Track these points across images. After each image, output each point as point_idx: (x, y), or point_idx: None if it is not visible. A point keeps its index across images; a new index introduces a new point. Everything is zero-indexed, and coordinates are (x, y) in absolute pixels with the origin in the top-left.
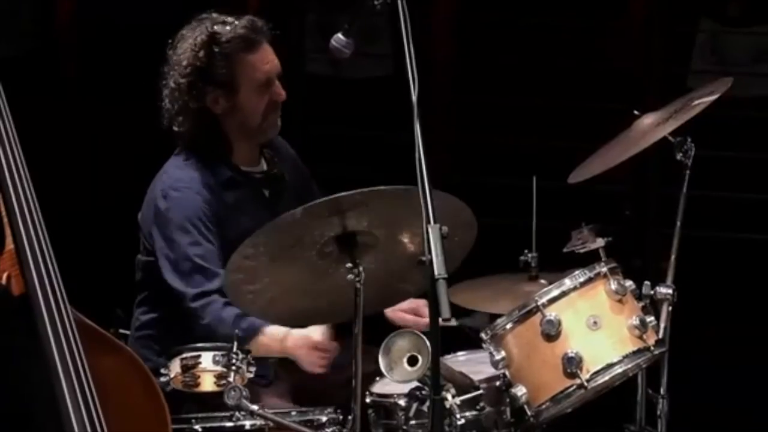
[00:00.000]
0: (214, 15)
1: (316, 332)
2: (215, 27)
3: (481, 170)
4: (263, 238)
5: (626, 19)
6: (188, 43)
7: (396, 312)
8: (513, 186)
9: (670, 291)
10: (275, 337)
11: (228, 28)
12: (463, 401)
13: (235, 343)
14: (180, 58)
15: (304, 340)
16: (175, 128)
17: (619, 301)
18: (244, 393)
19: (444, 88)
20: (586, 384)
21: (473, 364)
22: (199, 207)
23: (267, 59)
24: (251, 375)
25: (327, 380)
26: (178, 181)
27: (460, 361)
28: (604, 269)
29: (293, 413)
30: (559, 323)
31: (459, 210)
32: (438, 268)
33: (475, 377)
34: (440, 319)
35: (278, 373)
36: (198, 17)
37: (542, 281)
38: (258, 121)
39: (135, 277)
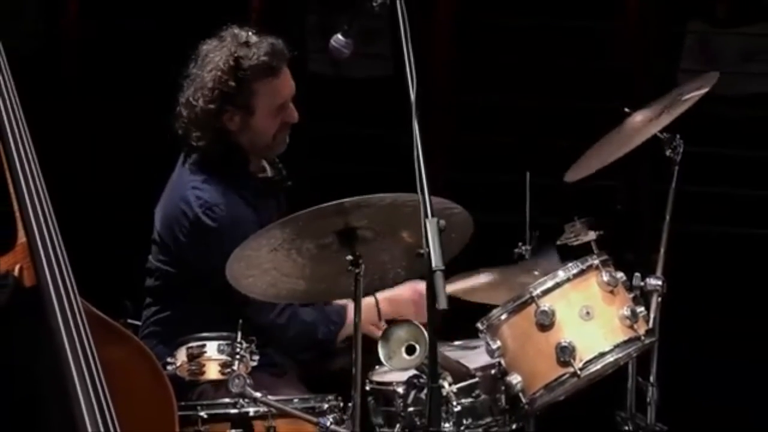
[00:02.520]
0: (236, 31)
1: (409, 287)
2: (239, 51)
3: (479, 167)
4: (267, 235)
5: (621, 20)
6: (213, 64)
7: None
8: (509, 182)
9: (660, 282)
10: (368, 306)
11: (251, 52)
12: (459, 389)
13: (240, 333)
14: (205, 80)
15: (410, 293)
16: (193, 143)
17: (611, 292)
18: (247, 381)
19: (443, 88)
20: (579, 372)
21: (469, 353)
22: (249, 219)
23: (285, 85)
24: (255, 364)
25: (336, 367)
26: (218, 195)
27: (456, 350)
28: (597, 261)
29: (295, 400)
30: (553, 313)
31: (457, 213)
32: (435, 261)
33: (471, 366)
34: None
35: (290, 363)
36: (219, 34)
37: (536, 273)
38: (269, 140)
39: (146, 281)
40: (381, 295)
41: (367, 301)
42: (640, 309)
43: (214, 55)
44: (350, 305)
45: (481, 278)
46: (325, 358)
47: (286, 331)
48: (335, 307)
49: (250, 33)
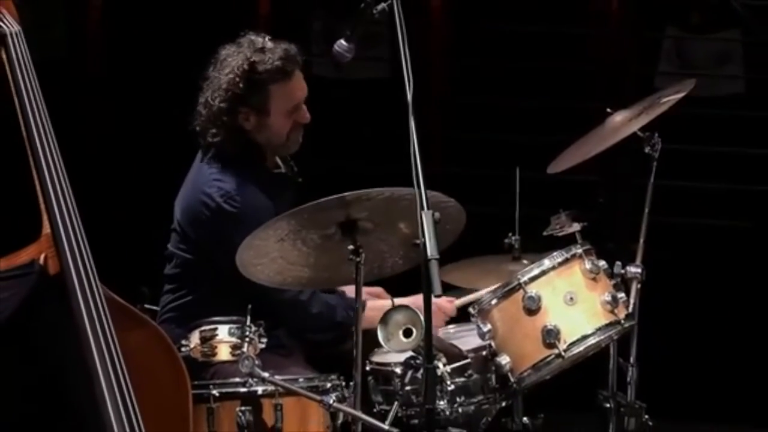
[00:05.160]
0: (252, 37)
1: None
2: (254, 56)
3: (471, 163)
4: (274, 226)
5: (603, 26)
6: (230, 67)
7: None
8: (500, 177)
9: (639, 270)
10: (384, 309)
11: (266, 57)
12: (453, 369)
13: (249, 317)
14: (221, 81)
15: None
16: (210, 139)
17: (593, 279)
18: (256, 362)
19: (437, 89)
20: (563, 354)
21: (462, 336)
22: (266, 207)
23: (297, 87)
24: (263, 345)
25: (337, 348)
26: (237, 185)
27: (450, 333)
28: (580, 251)
29: (301, 380)
30: (539, 299)
31: (451, 206)
32: (430, 250)
33: (464, 347)
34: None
35: (296, 345)
36: (237, 40)
37: (524, 261)
38: (282, 139)
39: (165, 268)
40: (398, 301)
41: (385, 304)
42: (621, 295)
43: (232, 59)
44: (370, 302)
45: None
46: (339, 343)
47: (308, 307)
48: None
49: (265, 39)
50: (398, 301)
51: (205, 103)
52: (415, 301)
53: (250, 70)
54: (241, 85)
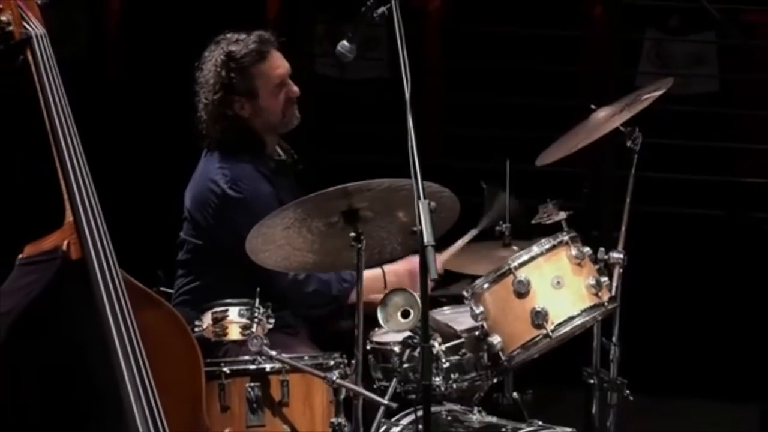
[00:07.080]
0: (228, 35)
1: (407, 261)
2: (230, 47)
3: (465, 156)
4: (281, 215)
5: (588, 29)
6: (210, 64)
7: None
8: (491, 169)
9: (621, 256)
10: (375, 277)
11: (241, 45)
12: (447, 348)
13: (258, 299)
14: (207, 78)
15: (409, 266)
16: (215, 135)
17: (579, 264)
18: (264, 341)
19: (433, 87)
20: (550, 334)
21: (456, 317)
22: (269, 192)
23: (277, 65)
24: (271, 326)
25: (340, 327)
26: (241, 172)
27: (445, 315)
28: (566, 238)
29: (306, 358)
30: (528, 283)
31: (446, 196)
32: (427, 237)
33: (458, 328)
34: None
35: (301, 324)
36: (215, 40)
37: (514, 248)
38: (279, 116)
39: (178, 255)
40: (386, 268)
41: (376, 273)
42: (604, 279)
43: (211, 57)
44: (368, 272)
45: (465, 238)
46: (336, 316)
47: (306, 286)
48: (347, 270)
49: (241, 33)
50: (388, 268)
51: (203, 104)
52: (405, 265)
53: (229, 59)
54: (223, 74)
